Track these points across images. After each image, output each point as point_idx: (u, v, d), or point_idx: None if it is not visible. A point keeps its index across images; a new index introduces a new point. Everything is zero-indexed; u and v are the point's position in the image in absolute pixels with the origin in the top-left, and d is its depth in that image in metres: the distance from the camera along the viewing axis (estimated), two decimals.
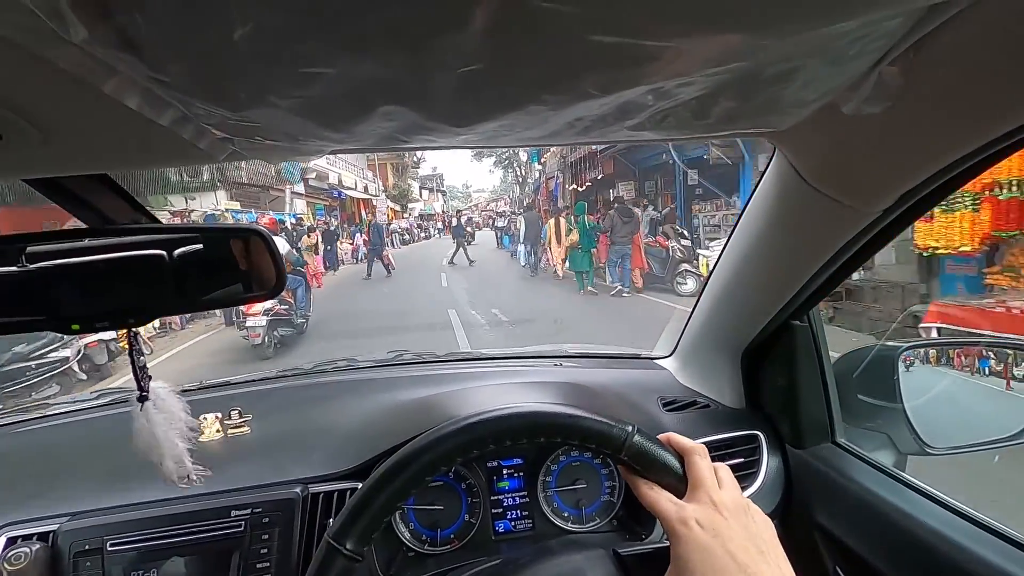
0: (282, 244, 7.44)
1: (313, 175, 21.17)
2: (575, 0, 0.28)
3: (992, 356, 1.39)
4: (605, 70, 0.33)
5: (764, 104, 0.44)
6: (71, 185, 0.60)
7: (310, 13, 0.29)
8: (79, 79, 0.36)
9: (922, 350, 1.17)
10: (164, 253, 0.64)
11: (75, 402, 1.26)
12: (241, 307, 6.60)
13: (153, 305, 0.67)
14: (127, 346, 0.67)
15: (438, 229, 41.09)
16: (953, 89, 0.42)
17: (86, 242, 0.65)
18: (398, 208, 39.27)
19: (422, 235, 39.19)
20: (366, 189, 31.93)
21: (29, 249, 0.59)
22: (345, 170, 26.30)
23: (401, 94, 0.36)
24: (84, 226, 0.64)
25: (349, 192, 27.88)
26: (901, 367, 1.00)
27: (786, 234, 0.72)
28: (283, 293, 6.33)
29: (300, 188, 20.35)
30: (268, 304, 6.37)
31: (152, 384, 0.65)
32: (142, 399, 0.64)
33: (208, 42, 0.30)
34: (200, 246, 0.66)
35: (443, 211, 57.09)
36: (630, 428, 0.57)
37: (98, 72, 0.35)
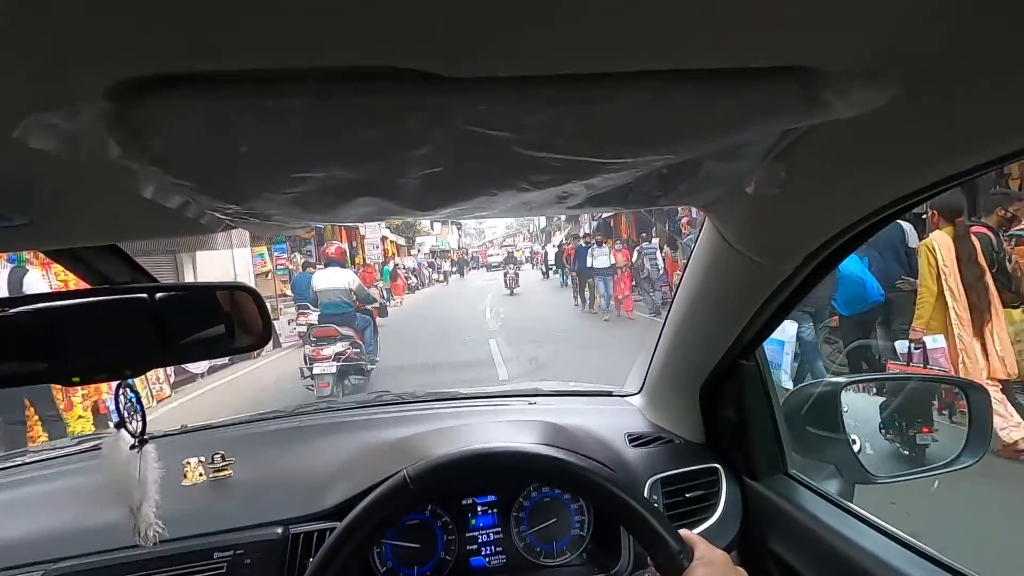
0: (349, 278, 6.36)
1: None
2: (511, 128, 0.36)
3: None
4: (538, 174, 0.42)
5: (684, 186, 0.53)
6: (82, 252, 0.66)
7: (305, 133, 0.37)
8: (103, 174, 0.43)
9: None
10: (148, 303, 0.70)
11: (52, 449, 1.27)
12: (308, 352, 5.87)
13: (146, 357, 0.72)
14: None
15: (445, 272, 30.92)
16: (829, 174, 0.52)
17: (82, 301, 0.71)
18: (402, 242, 29.55)
19: (434, 277, 29.17)
20: None
21: (36, 307, 0.65)
22: None
23: (375, 190, 0.44)
24: (86, 286, 0.69)
25: None
26: (844, 401, 1.09)
27: (717, 289, 0.81)
28: (353, 334, 5.94)
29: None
30: (339, 347, 5.66)
31: (122, 433, 0.68)
32: (142, 443, 0.68)
33: (220, 156, 0.38)
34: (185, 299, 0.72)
35: (458, 247, 46.55)
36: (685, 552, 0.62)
37: (121, 173, 0.42)
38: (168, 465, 1.07)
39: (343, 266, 6.65)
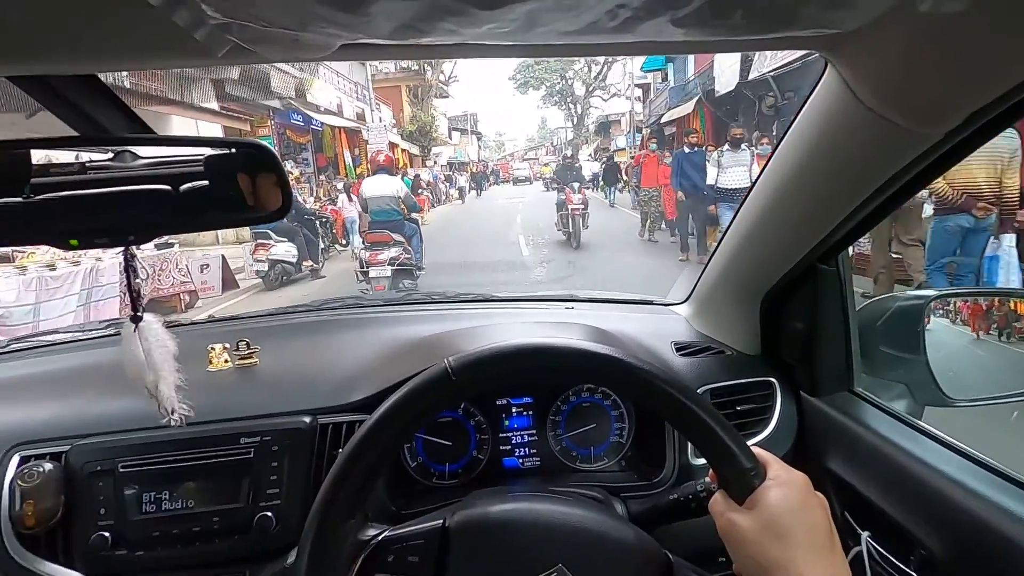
0: (398, 186, 6.41)
1: (235, 75, 9.85)
2: None
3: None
4: None
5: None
6: (59, 87, 0.56)
7: None
8: None
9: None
10: (168, 187, 0.62)
11: (83, 330, 1.26)
12: (364, 257, 6.02)
13: (155, 223, 0.64)
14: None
15: (461, 189, 24.29)
16: None
17: (84, 154, 0.62)
18: (416, 152, 24.67)
19: (452, 191, 23.12)
20: (360, 116, 17.05)
21: (33, 180, 0.56)
22: (318, 78, 13.63)
23: None
24: (75, 133, 0.60)
25: (327, 118, 14.42)
26: (927, 317, 0.97)
27: (831, 162, 0.67)
28: (403, 240, 6.11)
29: (211, 101, 9.77)
30: (393, 252, 5.95)
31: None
32: (135, 319, 0.62)
33: None
34: (203, 173, 0.63)
35: (478, 158, 41.22)
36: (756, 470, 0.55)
37: None
38: (194, 351, 1.05)
39: (391, 174, 6.81)
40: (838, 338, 0.93)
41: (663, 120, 16.38)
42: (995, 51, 0.43)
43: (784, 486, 0.53)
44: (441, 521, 0.59)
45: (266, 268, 7.48)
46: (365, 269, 5.95)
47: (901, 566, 0.76)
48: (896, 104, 0.53)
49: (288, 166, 11.27)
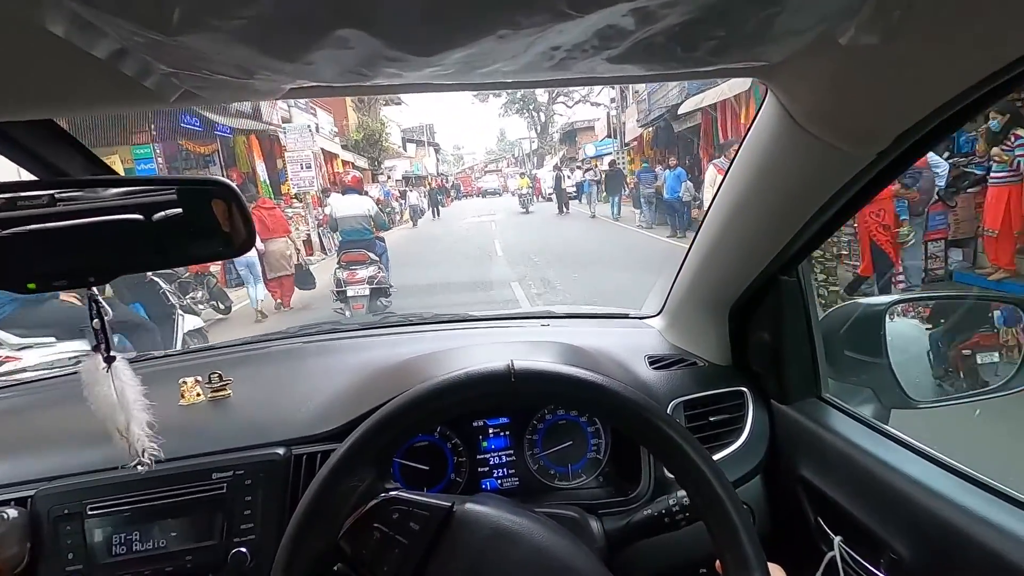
0: (368, 204, 6.49)
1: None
2: None
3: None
4: None
5: (755, 33, 0.41)
6: (15, 133, 0.56)
7: None
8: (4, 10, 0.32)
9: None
10: (140, 217, 0.62)
11: (49, 367, 1.24)
12: (341, 276, 5.86)
13: (114, 263, 0.64)
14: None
15: (414, 209, 19.92)
16: (955, 19, 0.39)
17: (36, 198, 0.62)
18: (363, 164, 20.13)
19: (405, 208, 19.96)
20: (288, 121, 13.21)
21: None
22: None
23: (358, 16, 0.33)
24: (34, 178, 0.60)
25: (240, 122, 10.94)
26: (888, 322, 1.00)
27: (777, 181, 0.69)
28: (378, 259, 6.00)
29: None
30: (371, 271, 5.88)
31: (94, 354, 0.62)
32: (109, 360, 0.62)
33: None
34: (179, 210, 0.63)
35: (437, 172, 37.54)
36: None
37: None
38: (166, 386, 1.04)
39: (360, 193, 6.81)
40: (803, 346, 0.96)
41: (680, 112, 12.39)
42: (912, 78, 0.46)
43: None
44: (450, 504, 0.63)
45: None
46: (343, 289, 5.86)
47: (872, 569, 0.77)
48: (829, 127, 0.56)
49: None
